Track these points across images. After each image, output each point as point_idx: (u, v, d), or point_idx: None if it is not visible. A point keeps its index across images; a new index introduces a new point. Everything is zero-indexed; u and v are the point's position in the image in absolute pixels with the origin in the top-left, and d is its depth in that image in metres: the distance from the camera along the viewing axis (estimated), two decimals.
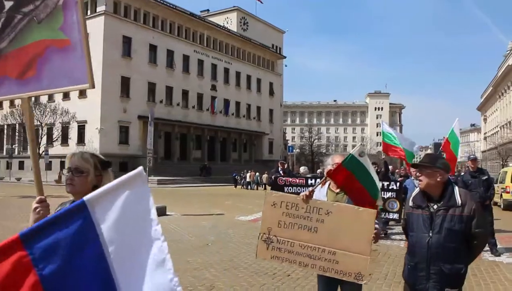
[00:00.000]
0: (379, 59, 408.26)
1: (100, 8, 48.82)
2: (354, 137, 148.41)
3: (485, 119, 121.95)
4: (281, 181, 11.86)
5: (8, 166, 50.90)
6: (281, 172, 13.78)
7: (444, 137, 12.10)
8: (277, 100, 76.73)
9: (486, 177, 9.85)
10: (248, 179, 44.63)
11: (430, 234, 3.39)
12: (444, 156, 11.74)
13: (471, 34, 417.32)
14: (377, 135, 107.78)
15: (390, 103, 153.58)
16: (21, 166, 53.82)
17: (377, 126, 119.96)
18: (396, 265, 8.49)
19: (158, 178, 41.46)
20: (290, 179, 11.96)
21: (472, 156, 10.92)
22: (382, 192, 10.52)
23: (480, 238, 3.43)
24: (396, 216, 11.02)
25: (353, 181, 3.65)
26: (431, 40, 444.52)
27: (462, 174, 14.70)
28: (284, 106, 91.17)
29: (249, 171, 45.73)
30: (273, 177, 13.11)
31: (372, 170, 3.78)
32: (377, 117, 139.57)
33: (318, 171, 16.11)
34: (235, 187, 43.08)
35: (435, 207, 3.44)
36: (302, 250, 3.51)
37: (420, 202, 3.54)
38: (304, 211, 3.55)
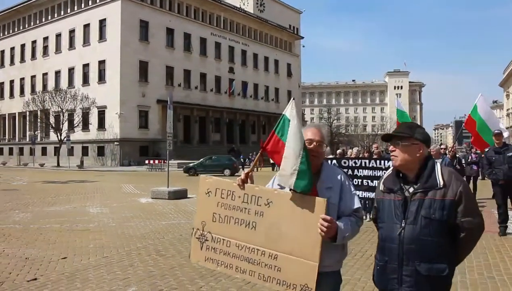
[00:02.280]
0: (398, 36, 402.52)
1: None
2: (373, 117, 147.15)
3: (507, 96, 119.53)
4: None
5: (32, 152, 51.75)
6: None
7: (465, 115, 11.74)
8: (295, 81, 76.32)
9: (511, 153, 8.95)
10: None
11: (403, 224, 2.63)
12: (465, 135, 11.53)
13: (493, 7, 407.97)
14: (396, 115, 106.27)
15: (409, 82, 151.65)
16: (44, 152, 54.69)
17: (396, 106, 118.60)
18: None
19: (178, 161, 41.71)
20: None
21: (497, 131, 9.76)
22: None
23: (469, 230, 2.60)
24: None
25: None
26: (451, 14, 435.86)
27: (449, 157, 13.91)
28: (302, 87, 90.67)
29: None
30: None
31: (296, 135, 2.78)
32: (396, 97, 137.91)
33: (338, 151, 15.89)
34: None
35: (411, 190, 2.67)
36: (239, 251, 2.84)
37: (392, 185, 2.77)
38: (241, 201, 2.86)
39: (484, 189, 16.81)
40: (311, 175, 2.70)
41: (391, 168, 2.87)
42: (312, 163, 2.76)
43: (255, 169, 3.19)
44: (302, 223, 2.67)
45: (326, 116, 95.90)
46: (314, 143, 2.88)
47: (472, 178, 15.96)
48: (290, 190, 2.74)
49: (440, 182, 2.61)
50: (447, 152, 12.65)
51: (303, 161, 2.69)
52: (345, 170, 10.84)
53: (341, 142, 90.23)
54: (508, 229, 9.19)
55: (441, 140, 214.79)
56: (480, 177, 18.65)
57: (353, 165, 10.80)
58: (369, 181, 10.39)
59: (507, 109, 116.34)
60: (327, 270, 2.76)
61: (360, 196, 10.47)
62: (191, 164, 36.24)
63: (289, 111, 2.90)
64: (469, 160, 16.06)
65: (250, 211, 2.82)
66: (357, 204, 2.86)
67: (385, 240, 2.75)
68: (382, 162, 10.47)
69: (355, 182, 10.62)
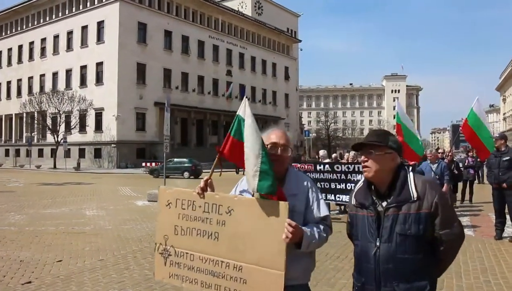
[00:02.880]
0: (395, 38, 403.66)
1: None
2: (371, 121, 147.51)
3: (504, 100, 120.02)
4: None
5: (28, 154, 51.62)
6: None
7: (462, 119, 11.76)
8: (293, 84, 76.39)
9: (507, 158, 8.96)
10: None
11: (377, 243, 2.44)
12: (462, 139, 11.56)
13: (490, 9, 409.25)
14: (394, 118, 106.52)
15: (407, 86, 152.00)
16: (40, 153, 54.56)
17: (394, 109, 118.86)
18: None
19: None
20: (299, 165, 11.43)
21: (496, 135, 9.98)
22: None
23: (448, 242, 2.43)
24: None
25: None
26: (448, 17, 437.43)
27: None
28: (299, 90, 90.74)
29: None
30: None
31: (253, 133, 2.64)
32: (394, 100, 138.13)
33: (333, 155, 15.89)
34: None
35: (384, 204, 2.46)
36: (203, 264, 2.67)
37: (363, 199, 2.56)
38: (202, 211, 2.70)
39: (481, 193, 16.85)
40: (274, 175, 2.53)
41: (362, 180, 2.65)
42: (277, 169, 2.59)
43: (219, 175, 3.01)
44: (265, 230, 2.48)
45: (323, 120, 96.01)
46: (279, 147, 2.70)
47: (468, 181, 15.99)
48: (254, 193, 2.58)
49: (414, 194, 2.40)
50: (444, 156, 12.66)
51: (264, 160, 2.54)
52: (338, 175, 10.90)
53: (338, 146, 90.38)
54: (504, 233, 9.18)
55: (438, 144, 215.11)
56: (476, 181, 18.68)
57: (347, 169, 10.76)
58: None
59: (504, 114, 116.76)
60: (293, 283, 2.58)
61: None
62: (156, 166, 37.17)
63: (243, 110, 2.81)
64: (466, 164, 16.08)
65: (211, 221, 2.66)
66: (324, 212, 2.67)
67: (360, 259, 2.57)
68: None
69: (349, 186, 10.48)
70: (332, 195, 11.06)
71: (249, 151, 2.58)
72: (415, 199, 2.39)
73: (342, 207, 12.51)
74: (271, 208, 2.49)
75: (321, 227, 2.62)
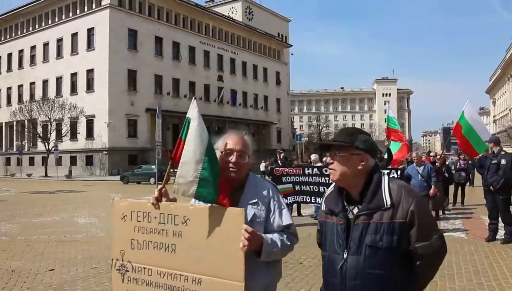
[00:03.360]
0: (385, 43, 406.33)
1: (105, 1, 48.77)
2: (362, 125, 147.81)
3: (494, 102, 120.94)
4: (278, 171, 11.37)
5: (19, 162, 51.26)
6: (279, 162, 13.54)
7: (453, 122, 11.87)
8: (284, 89, 76.51)
9: (495, 161, 9.09)
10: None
11: (345, 255, 2.15)
12: (454, 141, 11.62)
13: (479, 15, 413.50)
14: (385, 121, 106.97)
15: (398, 89, 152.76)
16: (31, 162, 54.20)
17: (385, 113, 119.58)
18: None
19: None
20: (287, 169, 11.43)
21: (493, 138, 10.18)
22: None
23: (426, 257, 2.13)
24: None
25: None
26: (437, 22, 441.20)
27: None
28: (291, 95, 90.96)
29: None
30: (269, 167, 12.80)
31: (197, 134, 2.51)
32: (385, 104, 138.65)
33: (324, 159, 15.82)
34: None
35: (356, 211, 2.19)
36: (161, 279, 2.50)
37: (333, 205, 2.28)
38: (157, 222, 2.54)
39: (473, 195, 16.95)
40: (217, 184, 2.37)
41: (333, 184, 2.36)
42: (232, 177, 2.49)
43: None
44: (221, 239, 2.33)
45: (315, 124, 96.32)
46: (235, 153, 2.52)
47: (460, 184, 16.06)
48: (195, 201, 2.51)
49: (387, 200, 2.11)
50: (436, 159, 12.71)
51: (206, 167, 2.38)
52: (327, 179, 10.63)
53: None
54: (496, 235, 9.23)
55: (429, 147, 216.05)
56: (468, 184, 18.77)
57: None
58: None
59: (494, 116, 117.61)
60: None
61: None
62: (125, 173, 38.50)
63: (191, 112, 2.65)
64: (457, 167, 16.15)
65: (168, 232, 2.49)
66: (287, 220, 2.51)
67: (327, 273, 2.28)
68: None
69: None
70: (321, 199, 10.96)
71: (191, 155, 2.43)
72: (388, 206, 2.10)
73: None
74: (226, 215, 2.34)
75: (284, 235, 2.47)
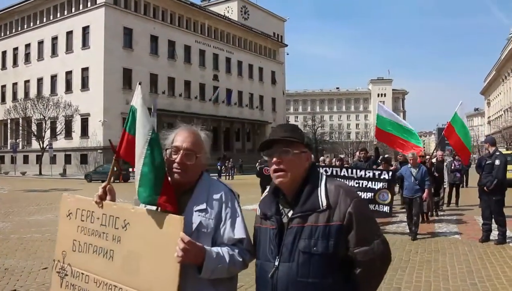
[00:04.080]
0: (381, 43, 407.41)
1: (101, 0, 48.62)
2: (357, 125, 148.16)
3: (488, 103, 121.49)
4: (267, 171, 10.75)
5: (13, 160, 51.03)
6: None
7: (447, 123, 11.84)
8: (280, 88, 76.53)
9: (489, 161, 9.16)
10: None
11: (276, 263, 1.96)
12: (448, 142, 11.61)
13: (475, 16, 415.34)
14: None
15: (393, 89, 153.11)
16: (25, 160, 53.98)
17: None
18: (403, 250, 8.50)
19: None
20: None
21: (486, 138, 10.28)
22: (373, 182, 9.88)
23: (365, 264, 1.92)
24: (387, 208, 9.88)
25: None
26: (433, 23, 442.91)
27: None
28: (286, 94, 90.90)
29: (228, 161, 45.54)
30: (258, 167, 12.32)
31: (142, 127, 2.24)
32: (383, 103, 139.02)
33: (321, 158, 15.82)
34: (219, 177, 40.93)
35: (291, 214, 1.99)
36: (97, 289, 2.20)
37: (267, 208, 2.09)
38: (99, 223, 2.26)
39: (467, 196, 16.99)
40: (160, 183, 2.10)
41: (269, 187, 2.17)
42: (177, 178, 2.17)
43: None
44: (158, 249, 2.04)
45: (310, 124, 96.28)
46: (180, 152, 2.18)
47: (455, 185, 16.09)
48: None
49: (323, 201, 1.93)
50: (426, 159, 12.63)
51: (147, 162, 2.12)
52: None
53: (325, 149, 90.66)
54: (490, 236, 9.26)
55: (424, 147, 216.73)
56: (461, 185, 18.79)
57: (324, 173, 10.56)
58: None
59: (488, 117, 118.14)
60: None
61: None
62: (89, 172, 39.63)
63: (135, 99, 2.36)
64: (452, 168, 16.17)
65: (108, 236, 2.21)
66: (240, 233, 2.15)
67: (258, 283, 2.09)
68: (354, 171, 10.24)
69: None
70: None
71: (136, 149, 2.19)
72: (324, 207, 1.92)
73: None
74: (164, 222, 2.05)
75: (236, 250, 2.12)
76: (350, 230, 1.89)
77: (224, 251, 2.08)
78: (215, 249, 2.05)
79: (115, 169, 2.59)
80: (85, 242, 2.28)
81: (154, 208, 2.15)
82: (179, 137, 2.22)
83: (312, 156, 2.02)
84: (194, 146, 2.21)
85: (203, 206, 2.15)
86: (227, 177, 42.28)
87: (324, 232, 1.89)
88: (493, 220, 9.22)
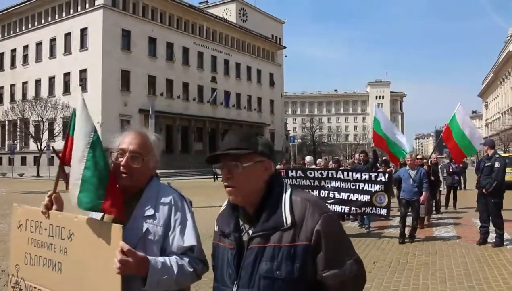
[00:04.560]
0: (379, 46, 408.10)
1: (99, 1, 48.58)
2: (355, 127, 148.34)
3: (486, 106, 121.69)
4: None
5: (10, 162, 50.93)
6: None
7: (445, 125, 11.82)
8: (278, 91, 76.54)
9: (489, 164, 9.15)
10: None
11: (234, 288, 1.74)
12: (445, 144, 11.58)
13: (472, 19, 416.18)
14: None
15: (391, 92, 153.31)
16: (23, 161, 53.90)
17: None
18: (400, 252, 8.51)
19: (160, 171, 41.25)
20: None
21: (487, 141, 10.16)
22: (369, 184, 9.69)
23: (337, 289, 1.69)
24: (384, 211, 9.71)
25: None
26: (431, 26, 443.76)
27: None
28: (284, 96, 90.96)
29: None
30: None
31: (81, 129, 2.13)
32: (378, 106, 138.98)
33: (318, 160, 15.73)
34: (215, 180, 39.09)
35: (251, 232, 1.74)
36: None
37: (225, 224, 1.84)
38: (47, 234, 2.15)
39: (464, 198, 17.01)
40: (103, 188, 1.98)
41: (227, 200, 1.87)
42: (124, 183, 2.06)
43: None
44: (100, 260, 1.92)
45: (308, 126, 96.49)
46: (126, 155, 2.08)
47: (452, 187, 16.11)
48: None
49: (287, 218, 1.67)
50: (423, 162, 12.61)
51: (89, 166, 2.00)
52: (311, 181, 10.22)
53: (323, 152, 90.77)
54: (488, 238, 9.27)
55: (422, 150, 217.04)
56: (458, 188, 18.80)
57: (320, 176, 10.24)
58: (336, 193, 9.96)
59: (486, 120, 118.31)
60: None
61: None
62: None
63: (78, 101, 2.24)
64: (450, 170, 16.19)
65: (55, 248, 2.09)
66: (190, 241, 2.02)
67: None
68: (350, 173, 10.07)
69: (322, 194, 10.01)
70: None
71: (74, 153, 2.08)
72: (289, 225, 1.66)
73: None
74: (104, 231, 1.94)
75: (186, 259, 1.98)
76: (318, 251, 1.65)
77: (172, 261, 1.93)
78: (161, 259, 1.91)
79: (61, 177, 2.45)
80: (36, 255, 2.18)
81: (99, 215, 2.08)
82: (125, 139, 2.13)
83: (283, 162, 1.66)
84: (140, 148, 2.11)
85: (151, 212, 2.04)
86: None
87: (288, 254, 1.64)
88: (490, 223, 9.24)
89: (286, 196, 1.73)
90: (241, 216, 1.80)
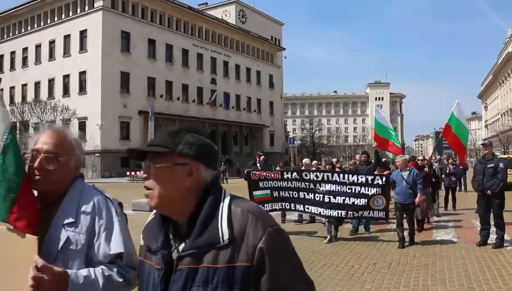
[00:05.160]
0: (379, 47, 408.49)
1: (98, 4, 48.65)
2: (355, 128, 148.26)
3: (485, 107, 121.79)
4: (255, 175, 10.54)
5: None
6: (258, 165, 12.62)
7: (445, 124, 11.80)
8: (277, 92, 76.58)
9: (492, 165, 9.05)
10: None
11: None
12: (446, 145, 11.56)
13: (472, 20, 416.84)
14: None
15: (390, 93, 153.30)
16: None
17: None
18: (400, 254, 8.50)
19: None
20: (265, 173, 10.65)
21: (486, 141, 10.03)
22: (366, 188, 9.51)
23: None
24: (382, 214, 9.54)
25: None
26: (430, 27, 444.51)
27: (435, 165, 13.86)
28: (284, 98, 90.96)
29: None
30: (245, 171, 11.99)
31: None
32: (379, 107, 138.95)
33: (314, 162, 15.49)
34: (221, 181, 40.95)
35: (181, 248, 1.41)
36: None
37: (151, 238, 1.50)
38: None
39: (464, 200, 17.01)
40: (10, 195, 1.76)
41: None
42: (38, 187, 1.84)
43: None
44: (15, 277, 1.68)
45: (308, 127, 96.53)
46: (40, 156, 1.86)
47: (451, 188, 16.11)
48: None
49: (224, 232, 1.35)
50: (425, 163, 12.52)
51: None
52: (307, 184, 10.00)
53: (323, 153, 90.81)
54: (488, 240, 9.26)
55: (422, 151, 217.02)
56: (458, 189, 18.82)
57: (315, 178, 10.00)
58: (331, 197, 9.70)
59: (485, 121, 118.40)
60: None
61: (321, 213, 10.20)
62: None
63: None
64: (447, 171, 16.19)
65: None
66: (118, 247, 1.81)
67: None
68: (346, 176, 9.83)
69: (317, 197, 9.82)
70: (301, 206, 10.25)
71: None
72: (226, 242, 1.34)
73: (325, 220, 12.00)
74: (19, 243, 1.72)
75: (114, 269, 1.78)
76: (261, 273, 1.33)
77: (97, 272, 1.72)
78: (83, 272, 1.69)
79: None
80: None
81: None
82: (40, 139, 1.91)
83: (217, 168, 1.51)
84: (56, 147, 1.88)
85: (72, 219, 1.81)
86: (221, 180, 41.91)
87: (225, 277, 1.33)
88: (491, 224, 9.22)
89: (224, 206, 1.41)
90: (171, 229, 1.47)
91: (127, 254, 1.82)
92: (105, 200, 1.91)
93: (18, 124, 50.42)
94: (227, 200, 1.44)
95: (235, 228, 1.36)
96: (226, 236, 1.35)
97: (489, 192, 8.99)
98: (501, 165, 9.05)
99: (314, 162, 15.73)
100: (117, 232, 1.84)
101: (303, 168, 13.43)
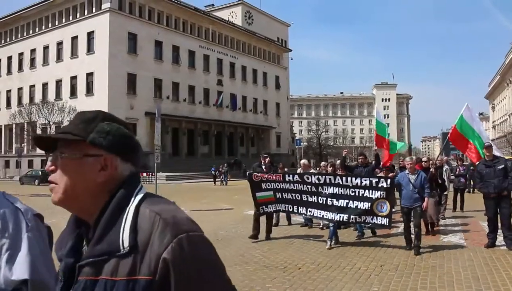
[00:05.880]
0: (385, 48, 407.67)
1: (105, 5, 48.88)
2: (361, 129, 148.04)
3: (493, 108, 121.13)
4: (257, 177, 10.39)
5: (18, 165, 51.18)
6: (263, 167, 12.21)
7: (452, 126, 11.69)
8: (284, 93, 76.57)
9: (502, 166, 8.94)
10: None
11: None
12: (452, 146, 11.51)
13: (478, 21, 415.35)
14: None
15: (397, 94, 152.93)
16: (30, 164, 54.12)
17: (385, 118, 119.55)
18: (408, 255, 8.46)
19: (167, 174, 41.52)
20: (266, 175, 10.41)
21: (487, 143, 9.68)
22: (370, 191, 9.14)
23: None
24: (386, 220, 9.04)
25: None
26: (437, 27, 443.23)
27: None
28: (290, 99, 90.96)
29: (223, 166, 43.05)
30: (247, 172, 11.77)
31: None
32: (384, 109, 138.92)
33: (322, 163, 15.30)
34: (214, 183, 40.14)
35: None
36: None
37: (59, 242, 1.30)
38: None
39: (472, 201, 16.91)
40: None
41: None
42: None
43: None
44: None
45: (314, 129, 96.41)
46: None
47: (459, 190, 16.02)
48: None
49: (125, 238, 1.12)
50: (430, 165, 12.37)
51: None
52: (309, 187, 9.77)
53: (329, 154, 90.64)
54: (496, 242, 9.19)
55: (428, 152, 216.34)
56: (467, 190, 18.69)
57: (317, 181, 9.73)
58: (334, 200, 9.47)
59: (493, 121, 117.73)
60: None
61: (324, 217, 10.10)
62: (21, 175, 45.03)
63: None
64: (457, 173, 16.10)
65: None
66: (22, 273, 1.52)
67: None
68: (350, 179, 9.50)
69: (321, 200, 9.60)
70: (304, 208, 10.02)
71: None
72: (127, 249, 1.12)
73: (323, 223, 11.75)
74: None
75: None
76: (164, 289, 1.10)
77: None
78: None
79: None
80: None
81: None
82: None
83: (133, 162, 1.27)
84: None
85: None
86: (222, 182, 40.40)
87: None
88: (499, 226, 9.13)
89: (131, 207, 1.17)
90: (84, 233, 1.26)
91: (33, 281, 1.50)
92: (14, 213, 1.61)
93: (25, 126, 50.77)
94: (137, 199, 1.19)
95: (139, 234, 1.13)
96: (126, 243, 1.12)
97: (505, 192, 8.88)
98: (510, 165, 9.03)
99: (323, 163, 15.62)
100: (24, 253, 1.53)
101: (301, 168, 13.23)
